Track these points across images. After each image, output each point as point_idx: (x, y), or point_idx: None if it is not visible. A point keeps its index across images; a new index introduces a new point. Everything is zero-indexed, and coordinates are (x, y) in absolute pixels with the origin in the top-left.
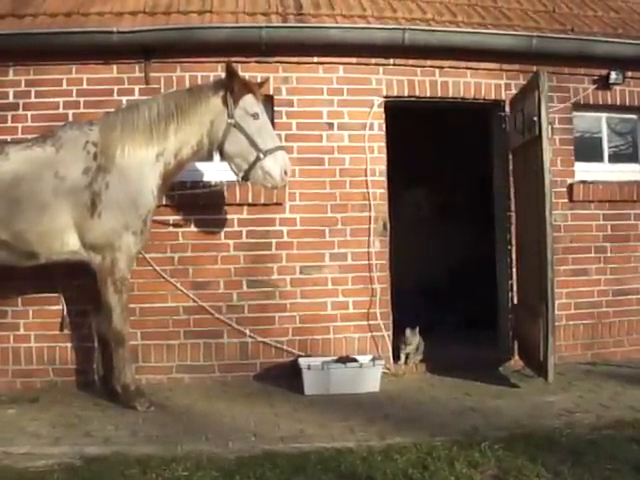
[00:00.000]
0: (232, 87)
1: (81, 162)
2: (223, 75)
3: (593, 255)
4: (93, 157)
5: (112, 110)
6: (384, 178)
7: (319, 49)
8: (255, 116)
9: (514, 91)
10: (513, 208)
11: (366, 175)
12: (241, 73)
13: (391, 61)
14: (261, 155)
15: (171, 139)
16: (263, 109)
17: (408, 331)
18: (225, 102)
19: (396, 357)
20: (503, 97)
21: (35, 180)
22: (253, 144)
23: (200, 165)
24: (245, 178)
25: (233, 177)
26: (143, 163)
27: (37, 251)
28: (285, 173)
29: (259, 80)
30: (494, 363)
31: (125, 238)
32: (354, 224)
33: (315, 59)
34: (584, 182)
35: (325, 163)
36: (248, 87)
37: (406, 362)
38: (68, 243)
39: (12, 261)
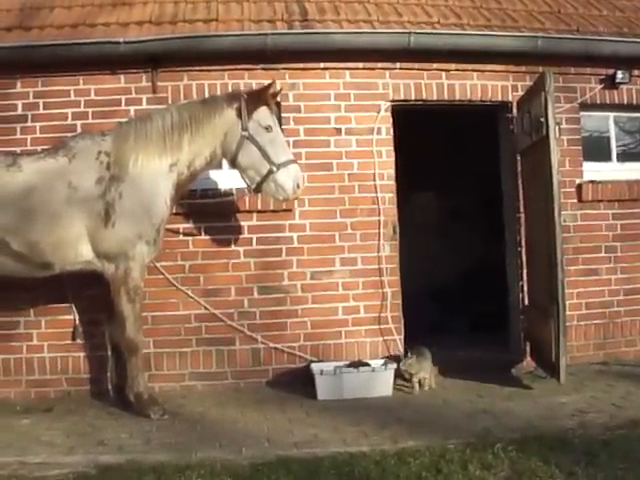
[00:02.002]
0: (247, 99)
1: (94, 172)
2: (231, 84)
3: (603, 255)
4: (106, 167)
5: (125, 120)
6: (393, 182)
7: (325, 55)
8: (268, 129)
9: (521, 92)
10: (522, 209)
11: (375, 179)
12: (248, 80)
13: (397, 65)
14: (274, 168)
15: (184, 150)
16: (277, 121)
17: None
18: (239, 114)
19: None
20: (510, 98)
21: (48, 190)
22: (266, 157)
23: (210, 173)
24: (257, 190)
25: (242, 184)
26: (156, 173)
27: (51, 261)
28: (298, 186)
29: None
30: (506, 365)
31: (139, 247)
32: (364, 229)
33: (321, 65)
34: (593, 182)
35: (333, 168)
36: (263, 99)
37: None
38: (82, 253)
39: (27, 272)
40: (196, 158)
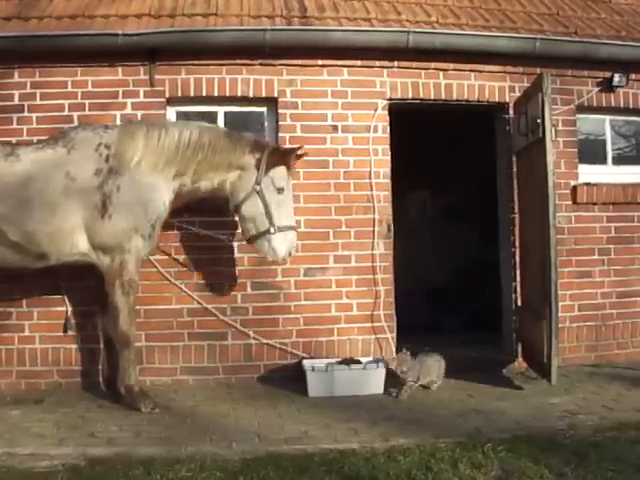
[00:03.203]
0: (269, 153)
1: (93, 163)
2: (228, 79)
3: (597, 257)
4: (105, 159)
5: (134, 120)
6: (388, 180)
7: (323, 52)
8: (280, 190)
9: (518, 93)
10: (517, 210)
11: (370, 177)
12: (245, 75)
13: (395, 64)
14: (272, 229)
15: (192, 168)
16: (290, 184)
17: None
18: (258, 166)
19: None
20: (507, 99)
21: (46, 181)
22: (268, 216)
23: None
24: (249, 241)
25: None
26: (158, 175)
27: (47, 252)
28: (289, 254)
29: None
30: (498, 365)
31: (134, 241)
32: (358, 226)
33: (319, 62)
34: (588, 184)
35: (329, 165)
36: (285, 160)
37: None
38: (77, 244)
39: (24, 263)
40: (202, 180)
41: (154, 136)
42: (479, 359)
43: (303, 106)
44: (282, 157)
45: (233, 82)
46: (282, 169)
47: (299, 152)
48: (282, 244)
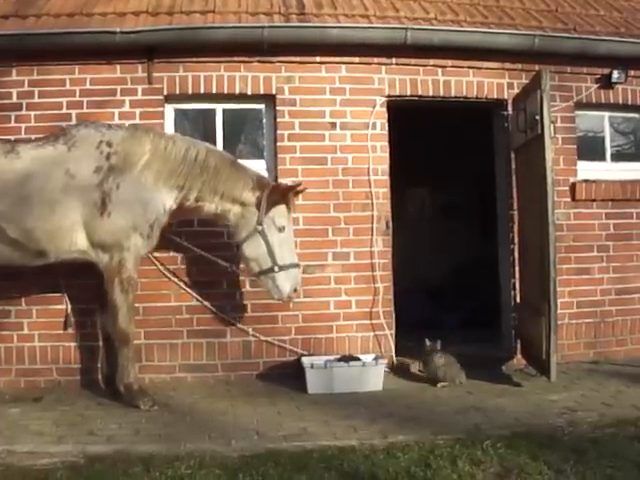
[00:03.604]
0: (269, 193)
1: (93, 161)
2: (226, 76)
3: (596, 254)
4: (106, 157)
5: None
6: (387, 177)
7: (321, 49)
8: (281, 229)
9: (517, 90)
10: (516, 207)
11: (369, 174)
12: (244, 73)
13: (393, 60)
14: (276, 268)
15: (197, 187)
16: (291, 221)
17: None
18: (258, 206)
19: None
20: (505, 96)
21: (46, 178)
22: (271, 255)
23: None
24: (255, 276)
25: None
26: (162, 182)
27: (47, 250)
28: (295, 290)
29: (288, 186)
30: (496, 362)
31: (133, 239)
32: (357, 223)
33: (317, 59)
34: (587, 181)
35: (328, 162)
36: (285, 198)
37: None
38: (76, 242)
39: (22, 260)
40: (206, 201)
41: (161, 143)
42: (478, 356)
43: (301, 103)
44: (282, 196)
45: (231, 79)
46: (282, 208)
47: (298, 189)
48: (286, 282)
